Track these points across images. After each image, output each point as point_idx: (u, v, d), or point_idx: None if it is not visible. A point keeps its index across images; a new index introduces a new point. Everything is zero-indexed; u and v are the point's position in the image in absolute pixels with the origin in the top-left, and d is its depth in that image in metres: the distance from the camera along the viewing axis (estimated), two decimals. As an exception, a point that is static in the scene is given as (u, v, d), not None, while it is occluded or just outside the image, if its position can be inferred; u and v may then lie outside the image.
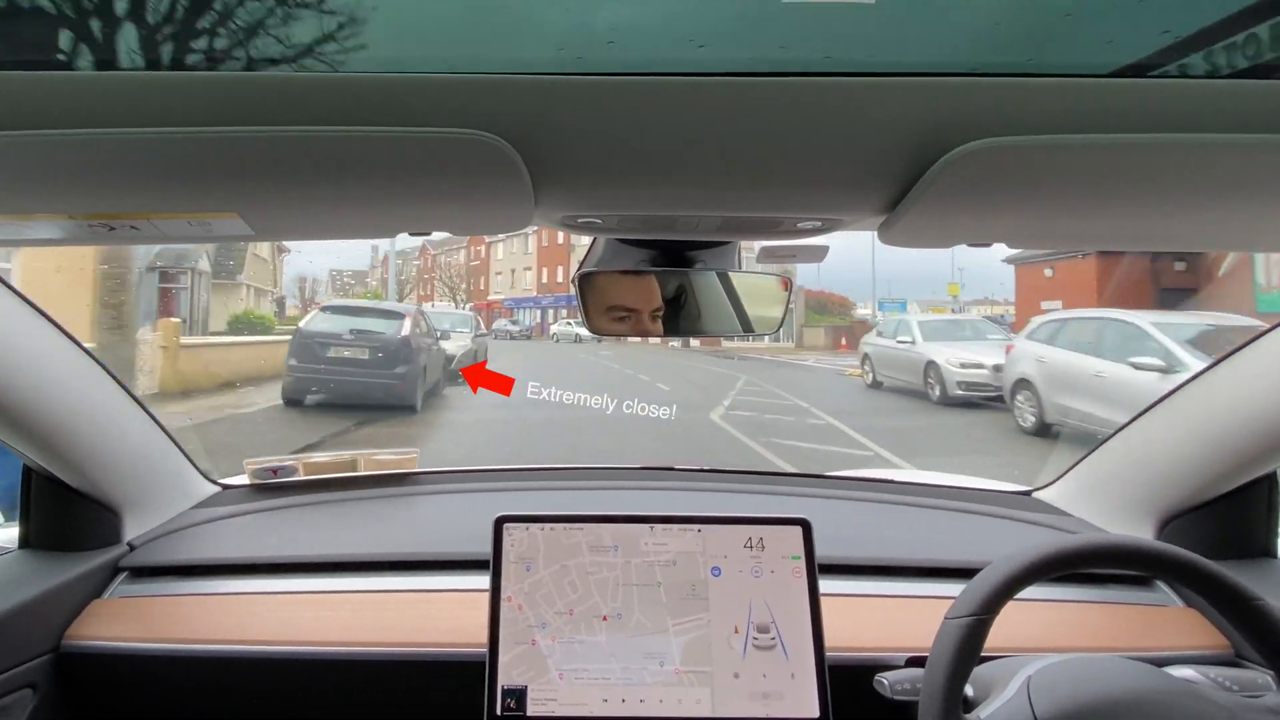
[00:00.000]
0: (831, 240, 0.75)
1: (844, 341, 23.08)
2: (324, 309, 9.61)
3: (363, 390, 7.95)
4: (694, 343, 21.56)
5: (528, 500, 1.38)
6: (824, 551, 0.95)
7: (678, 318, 0.95)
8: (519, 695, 0.88)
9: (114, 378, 1.10)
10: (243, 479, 1.39)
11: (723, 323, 0.97)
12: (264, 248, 19.01)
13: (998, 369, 7.94)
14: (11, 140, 0.42)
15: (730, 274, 0.95)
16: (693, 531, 0.96)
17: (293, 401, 8.12)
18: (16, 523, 1.11)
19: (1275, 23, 0.40)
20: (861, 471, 1.61)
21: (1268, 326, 1.00)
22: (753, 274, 0.96)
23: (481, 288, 39.03)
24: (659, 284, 0.93)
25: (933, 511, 1.36)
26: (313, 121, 0.42)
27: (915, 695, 0.77)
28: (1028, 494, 1.42)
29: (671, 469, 1.51)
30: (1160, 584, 1.13)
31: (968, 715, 0.69)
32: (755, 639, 0.91)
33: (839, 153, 0.48)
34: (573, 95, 0.42)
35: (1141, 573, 0.69)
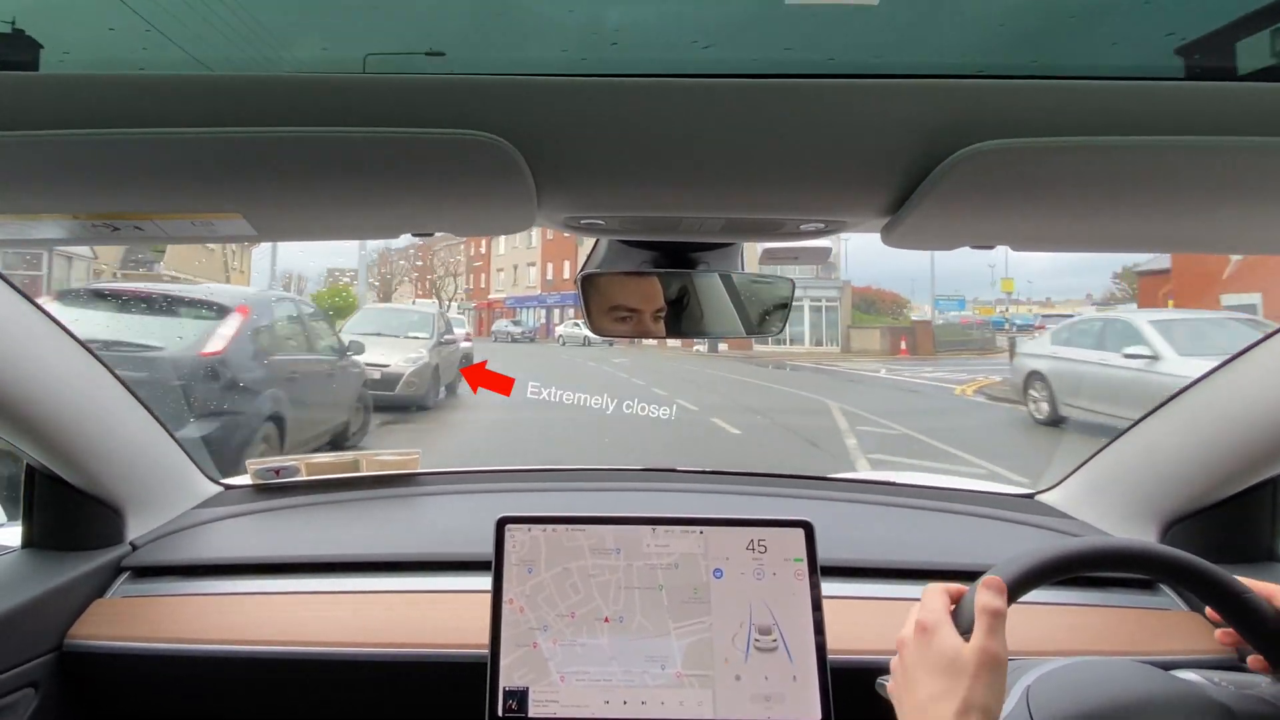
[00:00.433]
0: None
1: (904, 346, 20.14)
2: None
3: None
4: (721, 346, 19.86)
5: (530, 501, 1.38)
6: (826, 554, 0.95)
7: (680, 319, 0.95)
8: (520, 696, 0.88)
9: (117, 377, 1.10)
10: (245, 479, 1.39)
11: (725, 324, 0.97)
12: (216, 236, 18.80)
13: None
14: (17, 140, 0.42)
15: (733, 275, 0.95)
16: (695, 533, 0.95)
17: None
18: (19, 522, 1.11)
19: (1276, 26, 0.40)
20: (864, 473, 1.61)
21: (1270, 331, 0.99)
22: (756, 275, 0.96)
23: (482, 286, 36.95)
24: (662, 285, 0.93)
25: (936, 514, 1.35)
26: (316, 123, 0.42)
27: None
28: (1031, 497, 1.42)
29: (673, 470, 1.51)
30: (1164, 588, 1.13)
31: None
32: (757, 641, 0.91)
33: (842, 154, 0.48)
34: (576, 96, 0.42)
35: (1130, 573, 0.69)
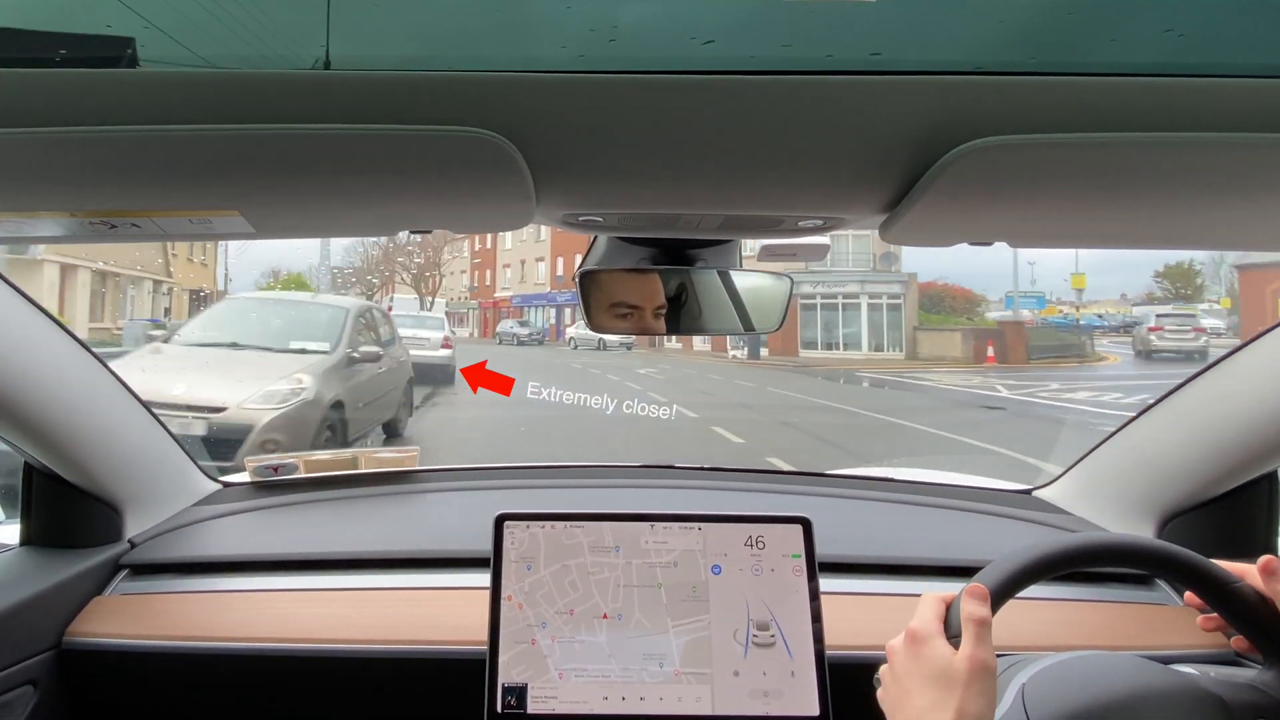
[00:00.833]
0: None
1: (990, 353, 16.06)
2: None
3: None
4: (763, 351, 18.13)
5: (528, 498, 1.39)
6: (824, 550, 0.96)
7: (679, 316, 0.95)
8: (519, 693, 0.89)
9: (115, 375, 1.10)
10: (244, 476, 1.39)
11: (724, 321, 0.97)
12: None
13: None
14: (13, 138, 0.42)
15: (731, 272, 0.95)
16: (693, 530, 0.96)
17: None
18: (18, 520, 1.11)
19: (1277, 21, 0.40)
20: (862, 470, 1.61)
21: (1268, 327, 1.00)
22: (754, 272, 0.96)
23: (487, 284, 34.54)
24: (660, 281, 0.93)
25: (933, 510, 1.36)
26: (314, 119, 0.42)
27: None
28: (1028, 493, 1.42)
29: (672, 467, 1.51)
30: (1161, 583, 1.13)
31: None
32: (755, 637, 0.91)
33: (841, 151, 0.48)
34: (574, 93, 0.42)
35: (1113, 567, 0.69)
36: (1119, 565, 0.68)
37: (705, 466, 1.51)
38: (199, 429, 4.18)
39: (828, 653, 0.90)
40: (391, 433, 6.49)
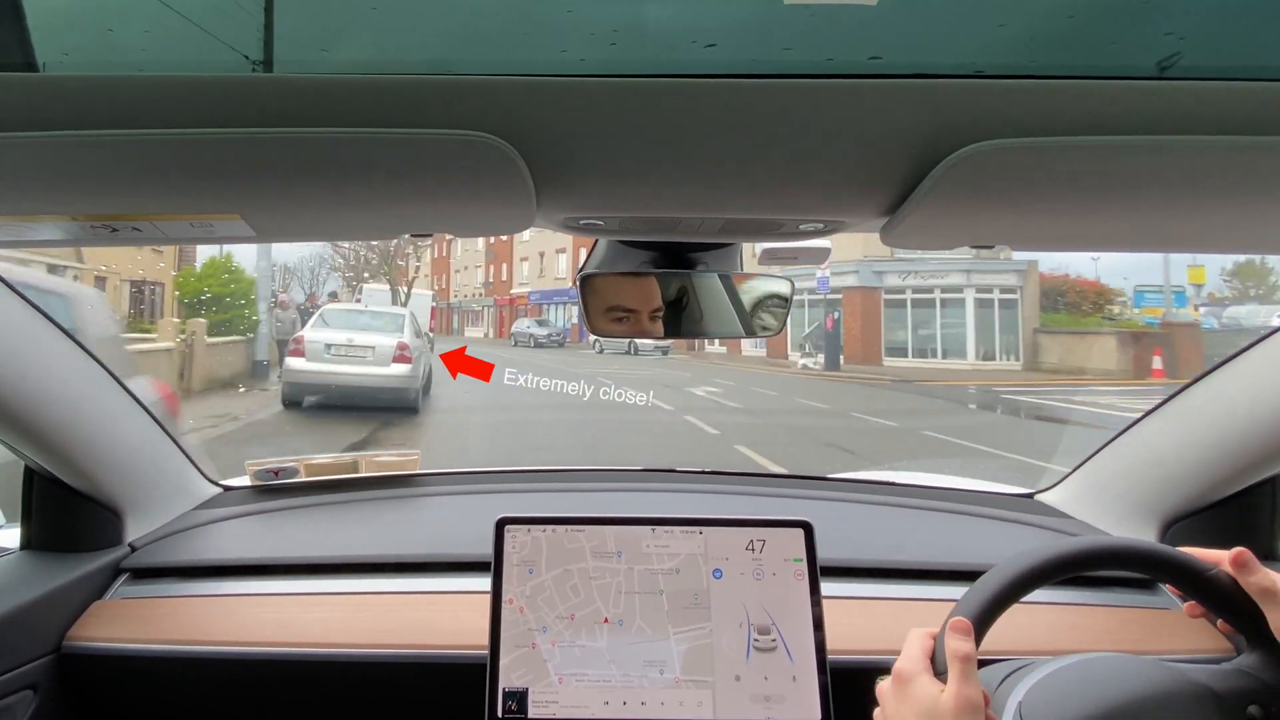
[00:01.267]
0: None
1: (1158, 364, 12.11)
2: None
3: None
4: (839, 360, 15.12)
5: (529, 502, 1.38)
6: (825, 554, 0.95)
7: (679, 319, 0.95)
8: (520, 697, 0.88)
9: (116, 379, 1.10)
10: (244, 480, 1.39)
11: (725, 325, 0.97)
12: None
13: None
14: (15, 142, 0.42)
15: (732, 276, 0.95)
16: (694, 533, 0.95)
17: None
18: (18, 524, 1.11)
19: (1275, 25, 0.40)
20: (863, 474, 1.61)
21: (1271, 330, 0.99)
22: (755, 276, 0.96)
23: (503, 279, 31.70)
24: (661, 285, 0.93)
25: (934, 514, 1.35)
26: (314, 123, 0.42)
27: None
28: (1030, 496, 1.42)
29: (672, 470, 1.51)
30: (1163, 586, 1.13)
31: None
32: (756, 641, 0.91)
33: (841, 155, 0.48)
34: (575, 97, 0.42)
35: (1092, 571, 0.69)
36: (1094, 569, 0.69)
37: (706, 470, 1.51)
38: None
39: (829, 657, 0.90)
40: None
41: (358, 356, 7.86)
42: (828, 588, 0.95)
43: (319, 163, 0.47)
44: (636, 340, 16.78)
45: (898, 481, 1.48)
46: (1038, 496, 1.41)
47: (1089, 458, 1.32)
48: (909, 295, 16.92)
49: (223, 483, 1.40)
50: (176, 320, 10.12)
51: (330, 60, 0.39)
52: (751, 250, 0.89)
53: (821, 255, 0.87)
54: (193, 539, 1.22)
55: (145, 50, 0.39)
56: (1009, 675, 0.72)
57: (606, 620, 0.92)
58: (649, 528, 0.96)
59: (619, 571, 0.94)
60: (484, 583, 0.94)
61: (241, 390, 9.94)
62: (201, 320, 10.02)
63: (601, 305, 0.93)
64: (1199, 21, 0.40)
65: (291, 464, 1.39)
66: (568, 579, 0.94)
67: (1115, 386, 11.78)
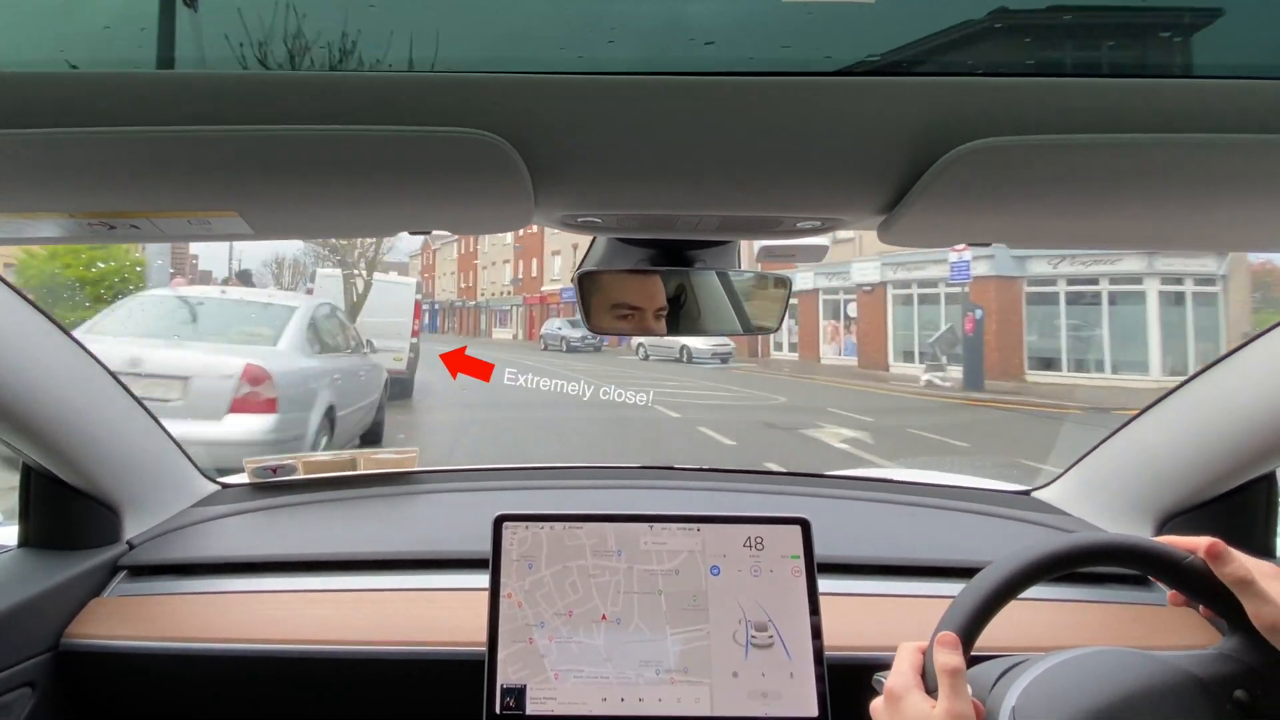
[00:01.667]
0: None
1: None
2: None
3: None
4: (983, 376, 11.13)
5: (528, 499, 1.38)
6: (823, 551, 0.96)
7: (678, 317, 0.95)
8: (518, 694, 0.89)
9: (113, 376, 1.10)
10: (242, 478, 1.39)
11: (723, 322, 0.98)
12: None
13: None
14: (12, 138, 0.42)
15: (730, 273, 0.95)
16: (692, 530, 0.96)
17: None
18: (16, 521, 1.11)
19: (1275, 23, 0.40)
20: (860, 471, 1.61)
21: (1268, 327, 1.00)
22: (753, 272, 0.97)
23: (533, 275, 29.32)
24: (661, 283, 0.94)
25: (931, 511, 1.36)
26: (312, 120, 0.42)
27: None
28: (1026, 494, 1.42)
29: (671, 468, 1.51)
30: (1160, 583, 1.13)
31: None
32: (754, 638, 0.91)
33: (839, 152, 0.48)
34: (573, 94, 0.42)
35: (1075, 569, 0.70)
36: (1073, 568, 0.69)
37: (704, 467, 1.51)
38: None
39: (827, 653, 0.90)
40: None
41: (159, 398, 3.84)
42: (825, 584, 0.96)
43: (316, 160, 0.47)
44: (689, 343, 15.21)
45: (895, 479, 1.48)
46: (1034, 494, 1.41)
47: (1086, 454, 1.33)
48: (1061, 287, 12.75)
49: (221, 480, 1.40)
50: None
51: (328, 57, 0.39)
52: (750, 248, 0.89)
53: (819, 253, 0.88)
54: (191, 536, 1.22)
55: (142, 47, 0.39)
56: (1004, 674, 0.72)
57: (604, 617, 0.92)
58: (647, 525, 0.96)
59: (618, 570, 0.94)
60: (482, 580, 0.94)
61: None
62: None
63: (605, 303, 0.94)
64: (1200, 18, 0.40)
65: (290, 461, 1.40)
66: (567, 575, 0.94)
67: None
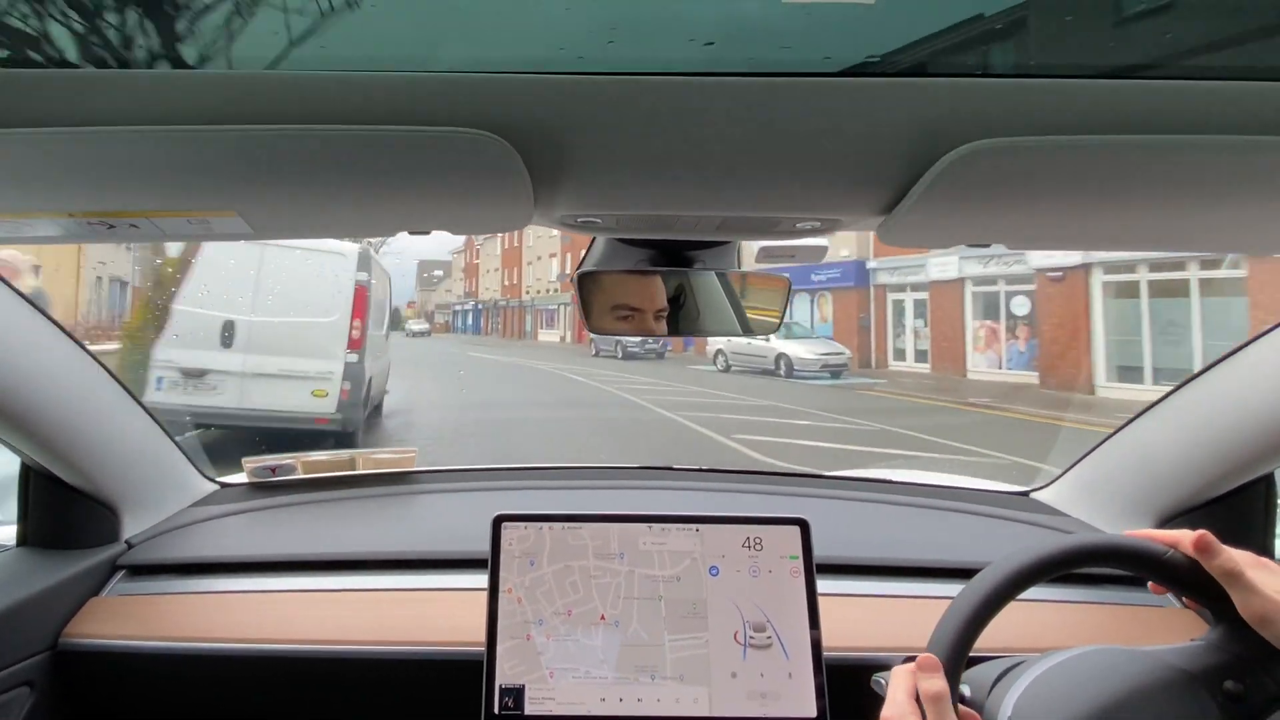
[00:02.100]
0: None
1: None
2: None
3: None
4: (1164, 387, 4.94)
5: (526, 499, 1.38)
6: (822, 551, 0.96)
7: (677, 317, 0.95)
8: (517, 694, 0.88)
9: (113, 376, 1.10)
10: (241, 477, 1.39)
11: (722, 323, 0.98)
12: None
13: None
14: (11, 138, 0.42)
15: (729, 274, 0.95)
16: (691, 531, 0.96)
17: None
18: (14, 520, 1.11)
19: (1274, 24, 0.40)
20: (859, 471, 1.61)
21: (1267, 329, 1.00)
22: (752, 273, 0.97)
23: (570, 274, 28.88)
24: (662, 284, 0.94)
25: (930, 512, 1.36)
26: (311, 120, 0.42)
27: None
28: (1025, 494, 1.42)
29: (670, 468, 1.51)
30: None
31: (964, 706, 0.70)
32: (752, 639, 0.91)
33: (839, 153, 0.48)
34: (572, 94, 0.42)
35: (1059, 574, 0.70)
36: (1055, 573, 0.69)
37: (704, 468, 1.51)
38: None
39: (825, 654, 0.90)
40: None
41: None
42: (824, 585, 0.96)
43: (315, 159, 0.47)
44: (788, 350, 11.80)
45: (894, 479, 1.48)
46: (1033, 494, 1.41)
47: (1085, 455, 1.33)
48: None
49: (220, 479, 1.40)
50: None
51: (327, 57, 0.39)
52: (749, 248, 0.89)
53: (819, 253, 0.88)
54: (189, 536, 1.22)
55: (141, 46, 0.39)
56: (1002, 676, 0.72)
57: (603, 618, 0.92)
58: (646, 525, 0.96)
59: (619, 573, 0.94)
60: (481, 580, 0.94)
61: None
62: None
63: (605, 304, 0.94)
64: (1195, 20, 0.40)
65: (289, 461, 1.39)
66: (568, 575, 0.94)
67: None
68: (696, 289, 0.95)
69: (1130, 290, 10.53)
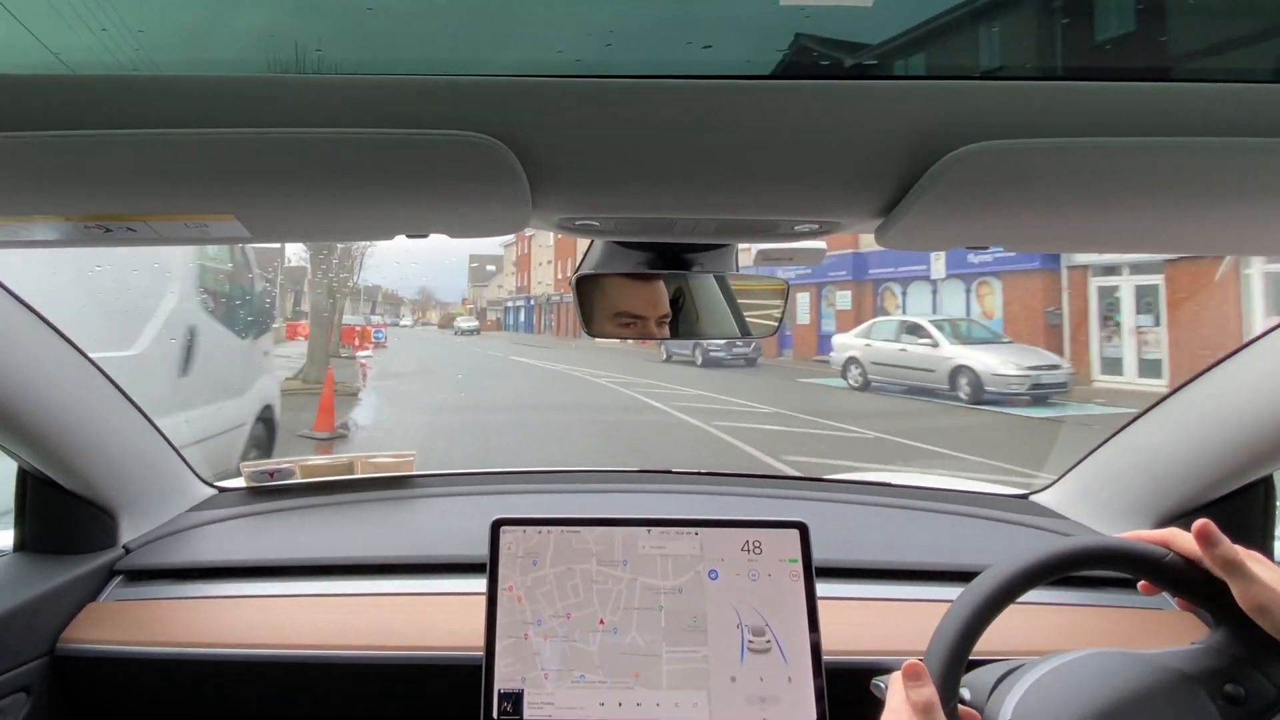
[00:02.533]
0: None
1: None
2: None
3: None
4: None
5: (525, 503, 1.38)
6: (821, 555, 0.95)
7: (677, 321, 0.95)
8: (515, 699, 0.88)
9: (110, 380, 1.10)
10: (239, 482, 1.39)
11: (721, 326, 0.98)
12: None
13: None
14: (7, 141, 0.42)
15: (727, 277, 0.95)
16: (690, 534, 0.95)
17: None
18: (11, 526, 1.11)
19: (1272, 28, 0.40)
20: (859, 475, 1.61)
21: (1265, 330, 1.00)
22: (750, 277, 0.97)
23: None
24: (664, 290, 0.94)
25: (930, 515, 1.35)
26: (309, 123, 0.42)
27: None
28: (1025, 497, 1.42)
29: (669, 472, 1.51)
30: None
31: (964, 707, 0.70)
32: (751, 643, 0.91)
33: (837, 155, 0.48)
34: (570, 97, 0.42)
35: (1052, 579, 0.69)
36: (1047, 579, 0.68)
37: (703, 471, 1.51)
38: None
39: (825, 658, 0.90)
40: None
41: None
42: (823, 588, 0.95)
43: (313, 163, 0.46)
44: (980, 368, 8.03)
45: (893, 483, 1.48)
46: (1033, 497, 1.41)
47: (1084, 458, 1.33)
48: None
49: (217, 484, 1.39)
50: None
51: (324, 61, 0.39)
52: (747, 250, 0.89)
53: (817, 256, 0.88)
54: (187, 541, 1.22)
55: (139, 50, 0.39)
56: (1001, 680, 0.72)
57: (602, 623, 0.92)
58: (645, 529, 0.96)
59: (621, 580, 0.94)
60: (480, 584, 0.94)
61: None
62: None
63: (607, 309, 0.94)
64: (1192, 24, 0.40)
65: (287, 465, 1.39)
66: (569, 578, 0.94)
67: None
68: (695, 292, 0.95)
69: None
